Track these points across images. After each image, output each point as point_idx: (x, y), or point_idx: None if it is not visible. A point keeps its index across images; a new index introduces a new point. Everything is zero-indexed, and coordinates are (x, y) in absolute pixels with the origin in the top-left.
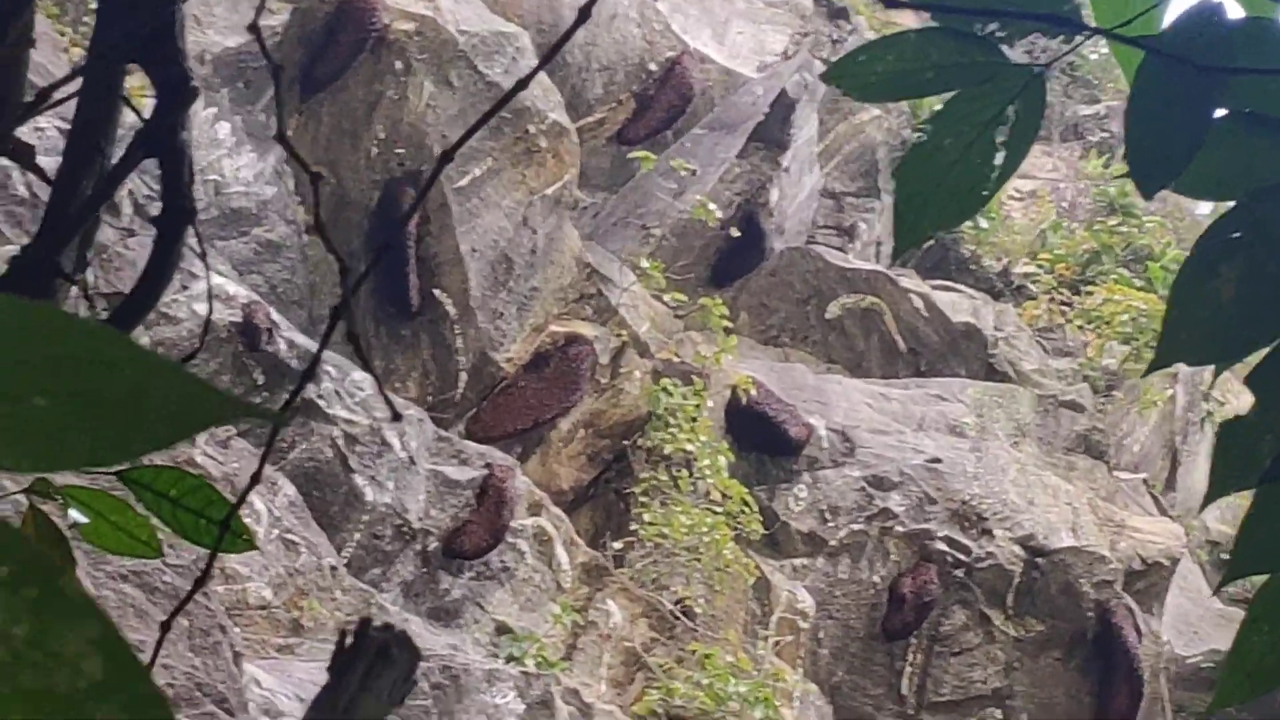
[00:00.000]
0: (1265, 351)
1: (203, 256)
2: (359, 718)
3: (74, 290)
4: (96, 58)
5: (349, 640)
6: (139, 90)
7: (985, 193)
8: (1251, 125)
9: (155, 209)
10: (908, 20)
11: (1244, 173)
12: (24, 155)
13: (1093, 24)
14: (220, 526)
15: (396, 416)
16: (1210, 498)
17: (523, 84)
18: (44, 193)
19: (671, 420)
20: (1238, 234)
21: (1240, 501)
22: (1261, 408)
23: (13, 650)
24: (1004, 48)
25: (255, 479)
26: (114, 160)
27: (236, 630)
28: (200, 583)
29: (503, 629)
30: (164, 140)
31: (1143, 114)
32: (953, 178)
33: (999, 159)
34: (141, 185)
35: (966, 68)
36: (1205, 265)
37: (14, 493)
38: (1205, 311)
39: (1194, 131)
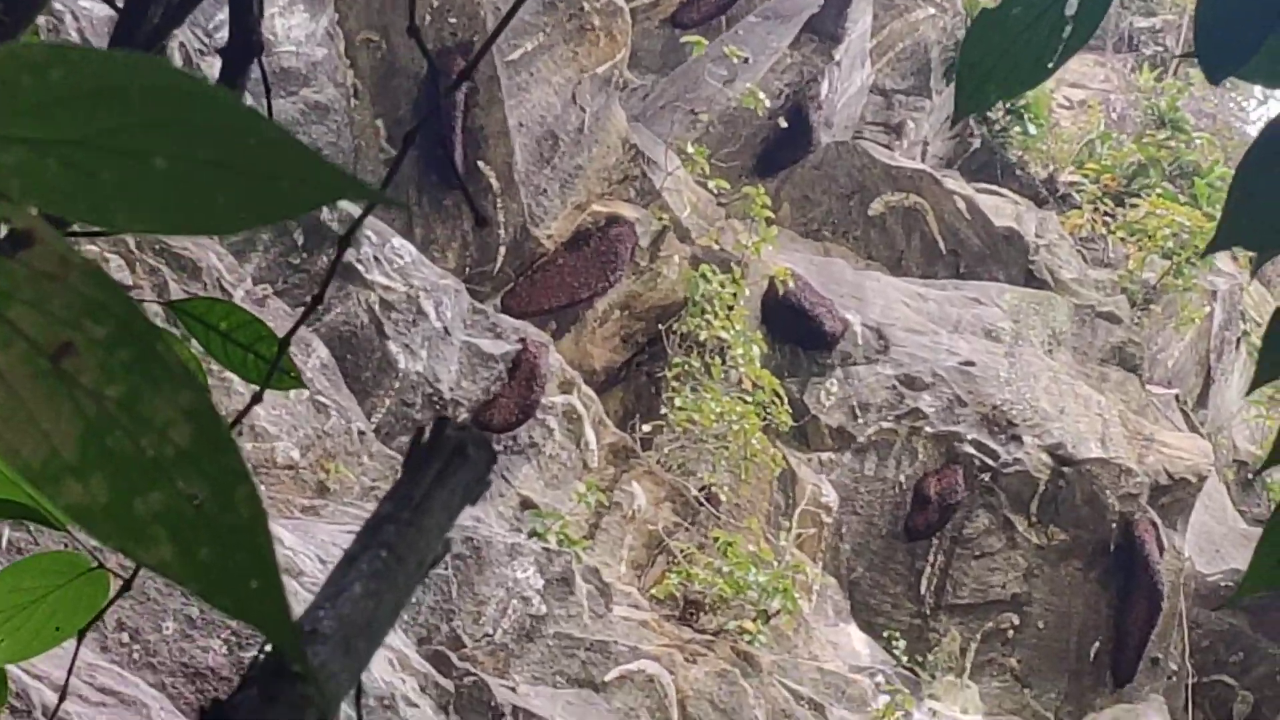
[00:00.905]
0: None
1: (267, 93)
2: (431, 514)
3: None
4: None
5: (426, 437)
6: None
7: (1050, 65)
8: None
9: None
10: None
11: None
12: None
13: None
14: (270, 364)
15: (481, 221)
16: (1257, 382)
17: None
18: (98, 40)
19: (708, 307)
20: None
21: (1270, 423)
22: None
23: (103, 411)
24: None
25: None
26: None
27: (262, 488)
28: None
29: (527, 504)
30: None
31: None
32: (1019, 46)
33: (1067, 32)
34: (193, 38)
35: None
36: (1273, 150)
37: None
38: (1269, 197)
39: (1267, 14)
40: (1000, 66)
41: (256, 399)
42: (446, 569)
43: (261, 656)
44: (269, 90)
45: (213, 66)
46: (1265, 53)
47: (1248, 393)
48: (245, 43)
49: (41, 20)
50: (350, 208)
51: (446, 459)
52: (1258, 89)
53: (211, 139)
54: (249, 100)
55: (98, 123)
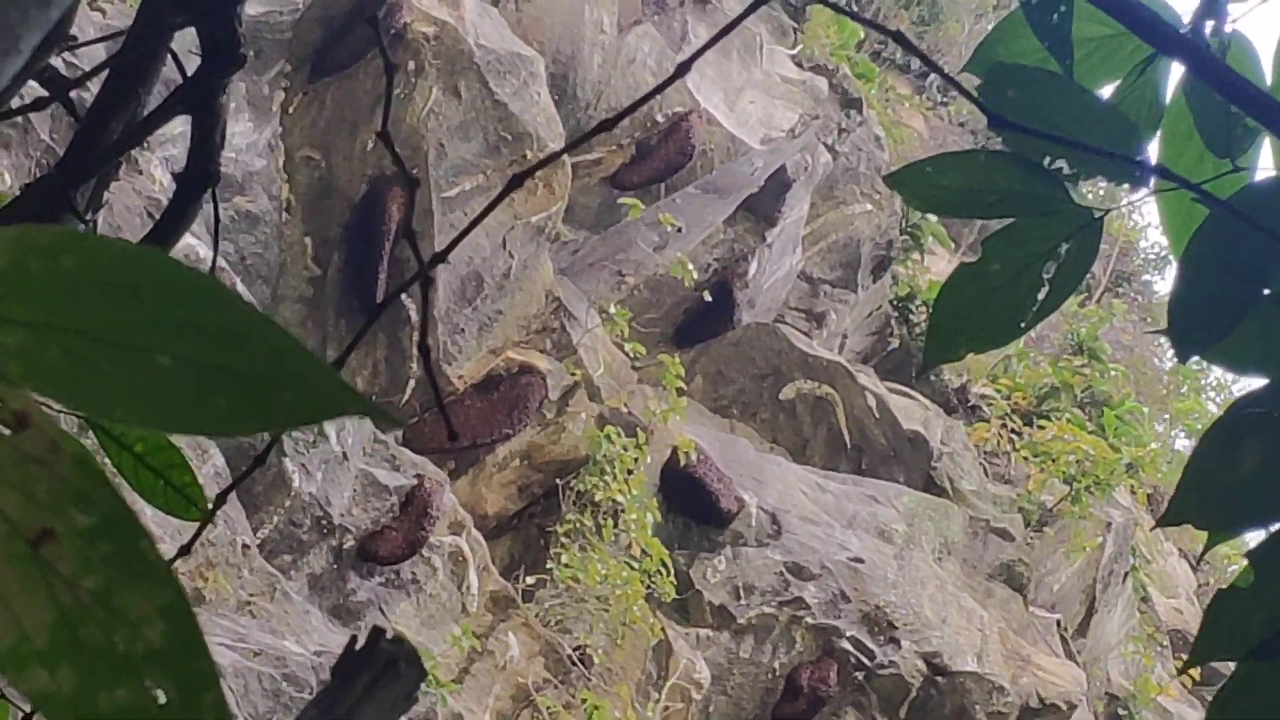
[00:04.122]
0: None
1: (216, 223)
2: None
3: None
4: (149, 3)
5: (359, 645)
6: None
7: (1023, 324)
8: None
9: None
10: (918, 124)
11: None
12: (57, 85)
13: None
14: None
15: (453, 436)
16: (1192, 662)
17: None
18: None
19: (608, 468)
20: (1266, 410)
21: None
22: (1258, 583)
23: (78, 601)
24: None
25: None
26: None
27: None
28: (185, 550)
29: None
30: (202, 100)
31: (1195, 274)
32: (994, 304)
33: (1042, 294)
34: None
35: (1029, 197)
36: (1230, 434)
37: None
38: (1224, 479)
39: (1245, 300)
40: (974, 321)
41: (197, 534)
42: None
43: None
44: (218, 221)
45: None
46: (1232, 338)
47: (1180, 672)
48: (203, 171)
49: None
50: None
51: (377, 672)
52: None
53: (218, 341)
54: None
55: (104, 314)
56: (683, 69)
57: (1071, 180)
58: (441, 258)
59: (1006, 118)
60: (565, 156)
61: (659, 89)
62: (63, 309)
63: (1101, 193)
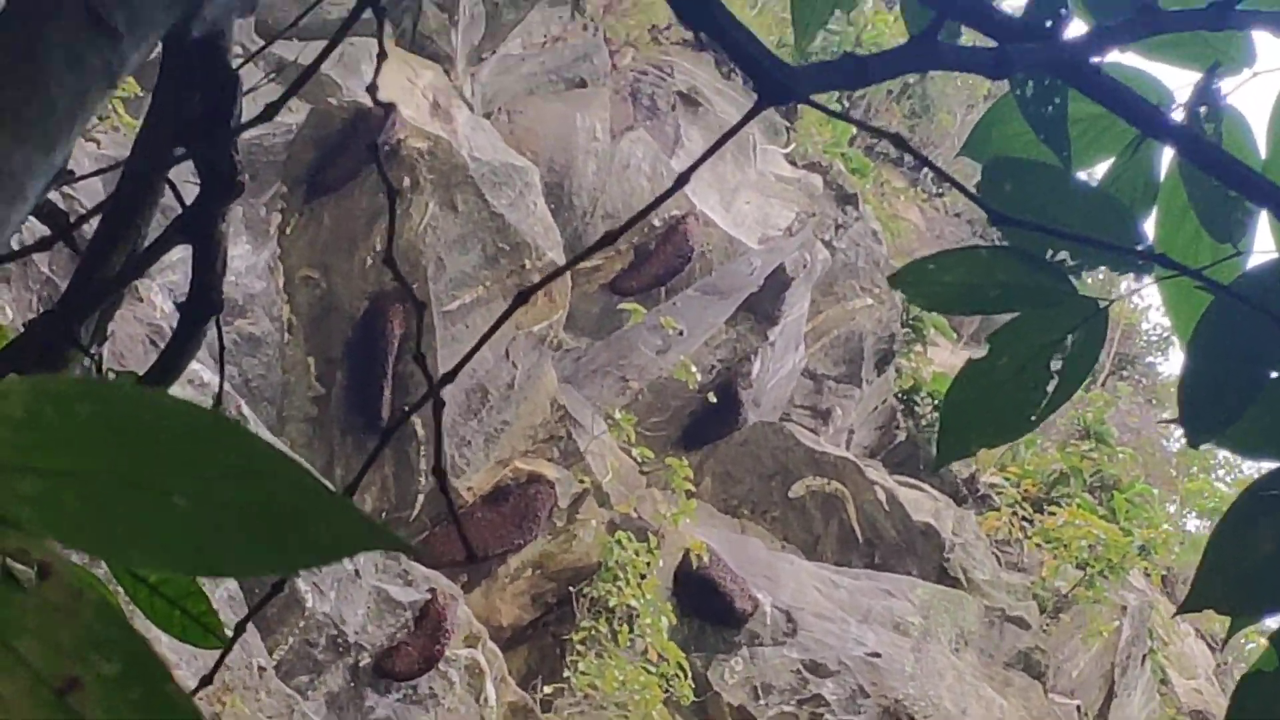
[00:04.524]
0: None
1: (220, 351)
2: None
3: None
4: (146, 135)
5: None
6: None
7: (1033, 418)
8: None
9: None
10: (914, 216)
11: None
12: (56, 221)
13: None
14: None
15: (472, 558)
16: None
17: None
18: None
19: (621, 574)
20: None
21: None
22: None
23: None
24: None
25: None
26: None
27: None
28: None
29: None
30: (202, 229)
31: (1203, 360)
32: (1003, 398)
33: (1051, 386)
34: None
35: (1033, 291)
36: (1246, 517)
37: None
38: (1243, 563)
39: (1254, 384)
40: (984, 417)
41: (220, 661)
42: None
43: None
44: (223, 348)
45: None
46: (1243, 422)
47: None
48: (206, 300)
49: None
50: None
51: None
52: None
53: (236, 481)
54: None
55: (120, 459)
56: (682, 180)
57: (1074, 271)
58: (449, 378)
59: (1006, 213)
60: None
61: (659, 200)
62: (79, 456)
63: (1102, 277)
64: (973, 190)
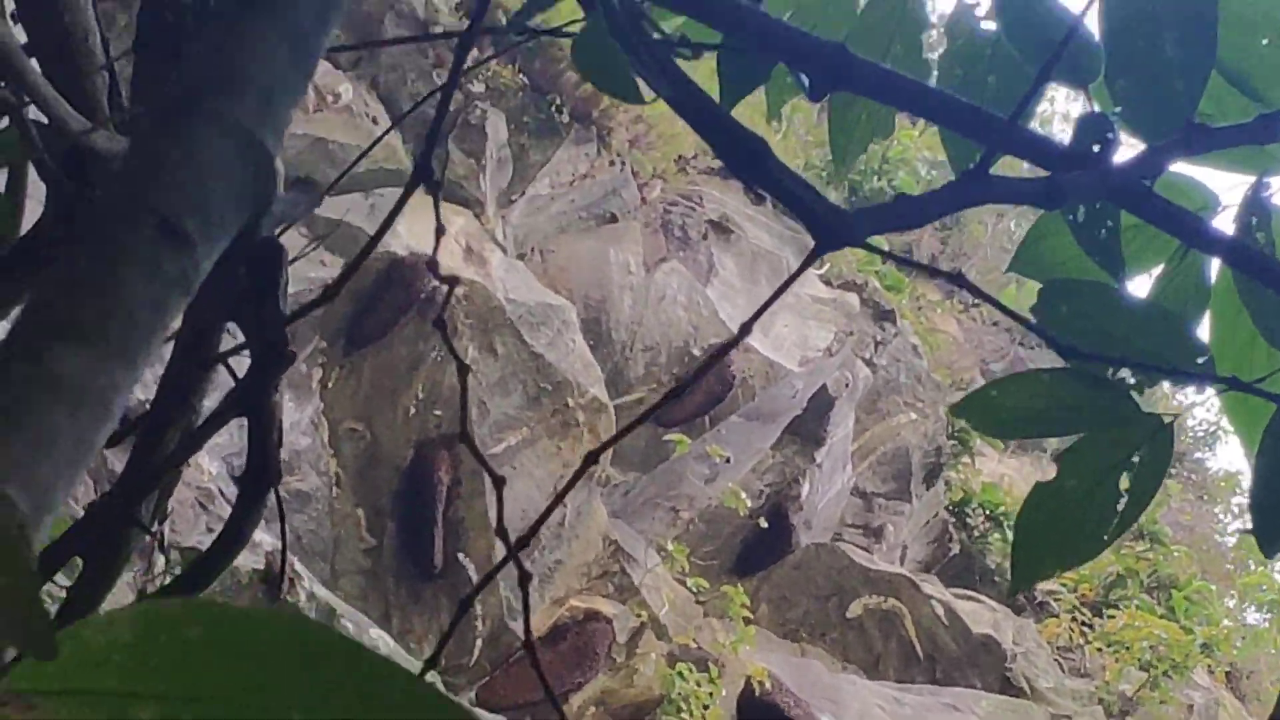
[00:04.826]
0: None
1: (281, 520)
2: None
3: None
4: (194, 313)
5: None
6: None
7: (1106, 537)
8: None
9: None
10: (952, 328)
11: None
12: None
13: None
14: None
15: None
16: None
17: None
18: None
19: (684, 706)
20: None
21: None
22: None
23: None
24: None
25: None
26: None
27: None
28: None
29: None
30: (255, 402)
31: (1272, 471)
32: (1075, 520)
33: (1122, 504)
34: None
35: (1096, 411)
36: None
37: None
38: None
39: None
40: (1057, 539)
41: None
42: None
43: None
44: (283, 517)
45: None
46: None
47: None
48: (264, 472)
49: None
50: (328, 595)
51: None
52: (1235, 501)
53: (354, 697)
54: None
55: (233, 682)
56: (745, 330)
57: (1136, 389)
58: (524, 543)
59: (1062, 333)
60: (607, 400)
61: (724, 351)
62: (192, 680)
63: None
64: (1028, 317)
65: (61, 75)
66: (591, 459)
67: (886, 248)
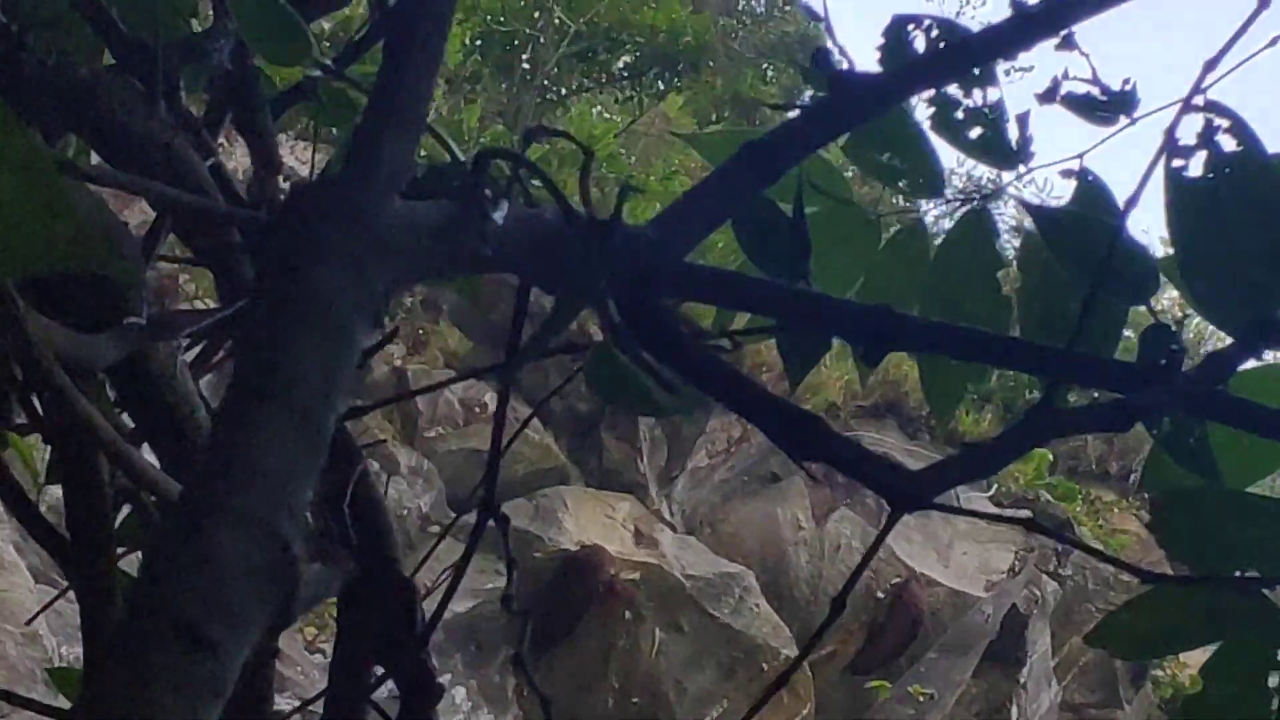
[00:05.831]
0: None
1: None
2: None
3: None
4: (339, 662)
5: None
6: None
7: None
8: None
9: None
10: (1132, 526)
11: None
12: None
13: None
14: None
15: None
16: None
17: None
18: None
19: None
20: None
21: None
22: None
23: None
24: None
25: None
26: None
27: None
28: None
29: None
30: None
31: None
32: None
33: (1275, 703)
34: None
35: (1236, 616)
36: None
37: None
38: None
39: None
40: None
41: None
42: None
43: None
44: None
45: None
46: None
47: None
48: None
49: None
50: None
51: None
52: None
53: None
54: None
55: None
56: (839, 605)
57: (1267, 585)
58: None
59: (1183, 546)
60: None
61: (862, 564)
62: None
63: None
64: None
65: (169, 452)
66: (761, 702)
67: (1051, 458)
